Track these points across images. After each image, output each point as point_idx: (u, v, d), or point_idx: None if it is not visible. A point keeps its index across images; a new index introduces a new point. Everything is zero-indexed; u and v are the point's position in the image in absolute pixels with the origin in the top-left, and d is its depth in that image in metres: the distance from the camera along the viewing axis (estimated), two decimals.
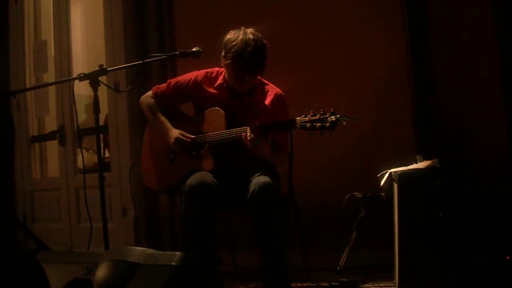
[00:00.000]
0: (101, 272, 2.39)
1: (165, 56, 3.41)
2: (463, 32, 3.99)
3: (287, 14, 4.48)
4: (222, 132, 3.30)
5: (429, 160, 3.11)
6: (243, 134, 3.19)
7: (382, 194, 3.47)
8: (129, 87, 3.70)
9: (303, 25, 4.45)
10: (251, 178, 3.19)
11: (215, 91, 3.46)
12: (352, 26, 4.32)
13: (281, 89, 3.52)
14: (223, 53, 3.34)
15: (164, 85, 3.61)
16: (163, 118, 3.52)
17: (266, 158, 3.29)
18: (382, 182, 3.22)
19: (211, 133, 3.35)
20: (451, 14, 4.02)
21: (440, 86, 4.04)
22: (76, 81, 3.23)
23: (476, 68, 3.94)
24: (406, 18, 4.11)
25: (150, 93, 3.62)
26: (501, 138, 3.82)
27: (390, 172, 3.15)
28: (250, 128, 3.17)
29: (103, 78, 3.20)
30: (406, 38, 4.10)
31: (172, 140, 3.42)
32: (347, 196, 3.63)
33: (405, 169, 3.06)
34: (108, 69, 3.22)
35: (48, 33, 5.88)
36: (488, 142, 3.88)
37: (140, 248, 2.44)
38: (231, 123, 3.31)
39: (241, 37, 3.26)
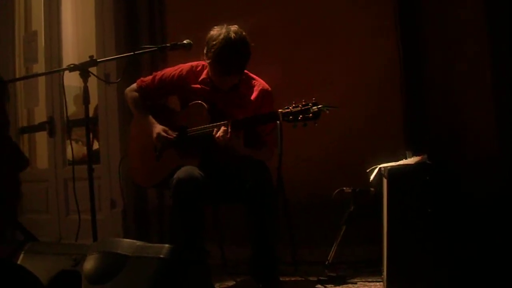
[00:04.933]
0: (89, 264, 2.39)
1: (155, 48, 3.36)
2: (455, 29, 3.99)
3: (279, 8, 4.46)
4: (205, 127, 3.25)
5: (419, 156, 3.12)
6: (215, 130, 3.14)
7: (371, 189, 3.47)
8: (119, 79, 3.69)
9: (295, 19, 4.44)
10: (243, 173, 3.17)
11: (199, 85, 3.41)
12: (344, 21, 4.31)
13: (271, 84, 3.46)
14: (205, 51, 3.27)
15: (149, 78, 3.56)
16: (147, 113, 3.48)
17: (239, 154, 3.23)
18: (372, 177, 3.22)
19: (195, 128, 3.30)
20: (444, 11, 4.02)
21: (431, 82, 4.05)
22: (66, 72, 3.20)
23: (468, 65, 3.95)
24: (398, 14, 4.11)
25: (134, 86, 3.58)
26: (491, 134, 3.83)
27: (380, 168, 3.16)
28: (226, 123, 3.12)
29: (93, 69, 3.17)
30: (398, 34, 4.11)
31: (154, 135, 3.37)
32: (336, 191, 3.63)
33: (395, 164, 3.07)
34: (98, 60, 3.19)
35: (39, 24, 5.85)
36: (478, 139, 3.89)
37: (128, 240, 2.44)
38: (214, 117, 3.25)
39: (222, 36, 3.17)
